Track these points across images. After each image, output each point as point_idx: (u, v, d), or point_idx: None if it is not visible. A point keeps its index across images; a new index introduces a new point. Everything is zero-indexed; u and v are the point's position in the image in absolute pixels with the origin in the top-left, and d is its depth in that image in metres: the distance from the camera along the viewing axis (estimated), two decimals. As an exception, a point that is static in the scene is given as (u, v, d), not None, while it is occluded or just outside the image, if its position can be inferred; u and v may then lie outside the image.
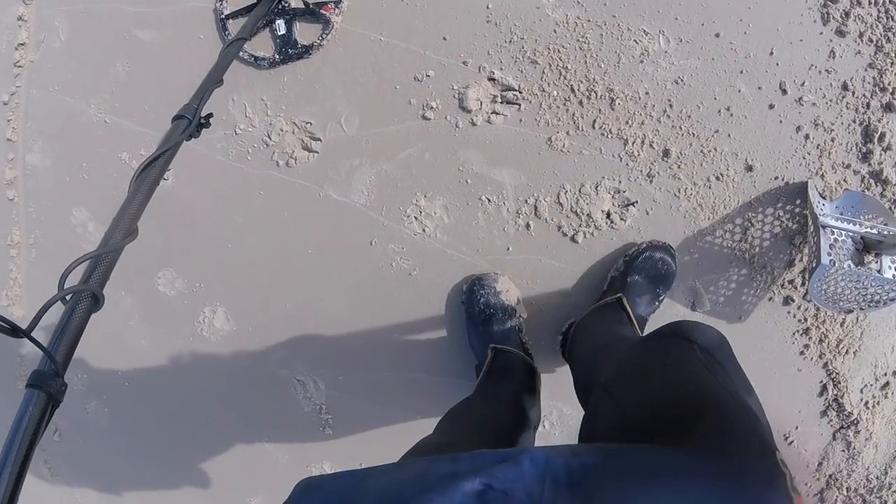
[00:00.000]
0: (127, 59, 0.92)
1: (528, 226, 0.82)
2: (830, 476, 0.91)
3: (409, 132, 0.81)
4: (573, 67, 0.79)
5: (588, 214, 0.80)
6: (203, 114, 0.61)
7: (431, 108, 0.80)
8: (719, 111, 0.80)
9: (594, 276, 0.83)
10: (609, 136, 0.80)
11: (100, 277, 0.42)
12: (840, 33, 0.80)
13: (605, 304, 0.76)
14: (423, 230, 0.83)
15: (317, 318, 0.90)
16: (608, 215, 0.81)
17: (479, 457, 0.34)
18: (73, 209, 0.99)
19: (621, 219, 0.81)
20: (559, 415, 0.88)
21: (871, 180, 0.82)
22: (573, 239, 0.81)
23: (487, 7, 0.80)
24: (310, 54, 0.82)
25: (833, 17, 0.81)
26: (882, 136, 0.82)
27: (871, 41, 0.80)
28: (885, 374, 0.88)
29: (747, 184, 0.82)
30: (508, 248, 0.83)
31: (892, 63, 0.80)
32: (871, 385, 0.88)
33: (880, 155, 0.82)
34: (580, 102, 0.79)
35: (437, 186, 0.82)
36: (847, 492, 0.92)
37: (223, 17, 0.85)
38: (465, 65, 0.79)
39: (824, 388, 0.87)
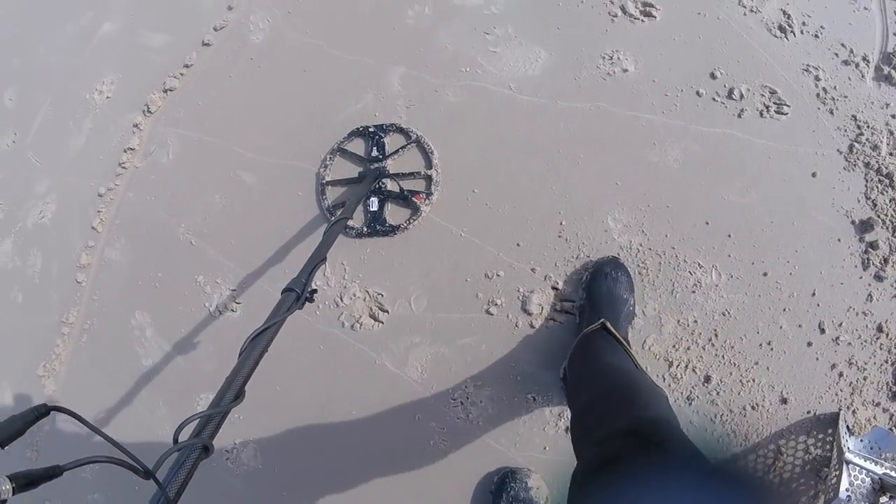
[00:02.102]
0: (226, 194, 1.08)
1: (567, 430, 0.89)
2: None
3: (472, 322, 0.92)
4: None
5: (628, 432, 0.88)
6: (309, 289, 0.72)
7: (496, 304, 0.92)
8: (760, 345, 0.90)
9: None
10: (656, 357, 0.90)
11: (210, 431, 0.51)
12: (878, 278, 0.92)
13: (591, 332, 0.79)
14: (467, 416, 0.91)
15: (342, 478, 0.96)
16: (648, 436, 0.88)
17: None
18: (136, 311, 1.10)
19: (660, 442, 0.88)
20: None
21: None
22: (611, 453, 0.88)
23: (560, 224, 0.94)
24: (395, 234, 0.96)
25: (873, 263, 0.93)
26: None
27: None
28: None
29: (780, 415, 0.90)
30: (545, 448, 0.90)
31: None
32: None
33: None
34: (632, 323, 0.90)
35: (488, 377, 0.91)
36: None
37: (323, 182, 1.01)
38: (533, 271, 0.92)
39: None
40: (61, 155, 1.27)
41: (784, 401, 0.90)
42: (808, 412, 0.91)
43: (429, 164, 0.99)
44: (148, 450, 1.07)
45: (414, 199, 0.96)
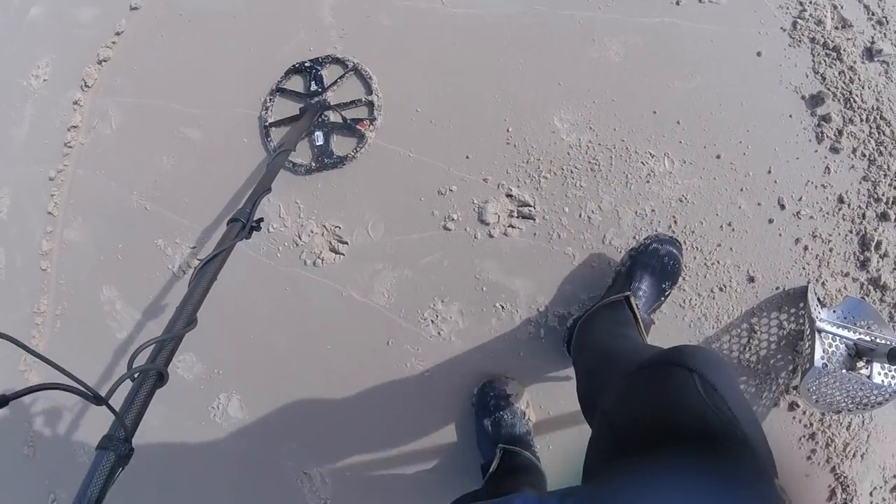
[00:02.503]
0: (173, 154, 1.07)
1: (539, 333, 0.91)
2: None
3: (431, 241, 0.93)
4: (585, 186, 0.92)
5: (598, 325, 0.90)
6: (255, 218, 0.74)
7: (452, 219, 0.93)
8: (721, 226, 0.92)
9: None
10: (618, 251, 0.91)
11: (164, 358, 0.52)
12: (834, 150, 0.93)
13: (611, 302, 0.77)
14: (439, 333, 0.93)
15: (329, 412, 0.98)
16: (617, 327, 0.90)
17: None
18: (104, 287, 1.11)
19: (630, 331, 0.90)
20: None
21: (870, 287, 0.91)
22: (584, 349, 0.90)
23: (507, 130, 0.94)
24: (344, 164, 0.96)
25: (827, 136, 0.94)
26: (878, 244, 0.92)
27: (864, 155, 0.93)
28: (894, 477, 0.92)
29: (749, 294, 0.91)
30: (520, 354, 0.92)
31: (885, 175, 0.92)
32: (881, 487, 0.93)
33: (878, 262, 0.92)
34: (589, 219, 0.91)
35: (454, 292, 0.93)
36: None
37: (266, 124, 1.01)
38: (486, 181, 0.93)
39: (833, 492, 0.92)
40: (7, 146, 1.26)
41: (751, 279, 0.92)
42: (777, 288, 0.92)
43: (369, 91, 0.98)
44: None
45: (358, 126, 0.96)
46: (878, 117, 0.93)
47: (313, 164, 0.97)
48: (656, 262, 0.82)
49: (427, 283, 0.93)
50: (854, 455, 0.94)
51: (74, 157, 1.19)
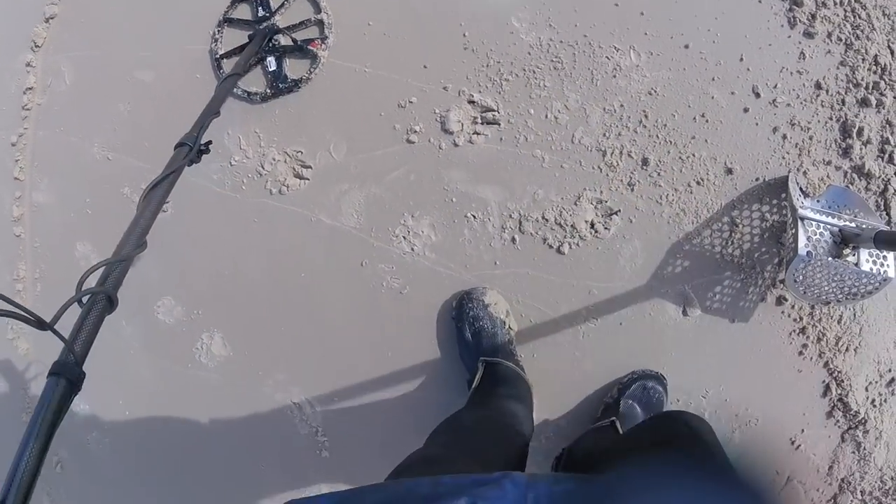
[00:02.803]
0: (129, 100, 1.05)
1: (513, 240, 0.90)
2: (843, 480, 0.94)
3: (395, 156, 0.92)
4: (549, 86, 0.90)
5: (572, 225, 0.89)
6: (203, 142, 0.73)
7: (415, 131, 0.91)
8: (694, 118, 0.89)
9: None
10: (588, 149, 0.89)
11: (114, 282, 0.51)
12: (808, 35, 0.90)
13: (598, 427, 0.83)
14: (412, 249, 0.92)
15: (311, 340, 0.99)
16: (592, 225, 0.89)
17: (461, 480, 0.39)
18: (77, 243, 1.11)
19: (605, 228, 0.89)
20: (556, 428, 0.94)
21: (854, 175, 0.90)
22: (559, 250, 0.90)
23: (464, 35, 0.91)
24: (299, 88, 0.94)
25: (800, 21, 0.90)
26: (860, 130, 0.90)
27: (840, 40, 0.90)
28: (890, 371, 0.92)
29: (728, 186, 0.90)
30: (496, 263, 0.91)
31: (863, 59, 0.89)
32: (876, 382, 0.92)
33: (860, 149, 0.90)
34: (556, 119, 0.89)
35: (424, 206, 0.92)
36: (861, 495, 0.95)
37: (217, 56, 0.98)
38: (446, 90, 0.91)
39: (827, 388, 0.92)
40: (-35, 117, 1.24)
41: (729, 171, 0.90)
42: (757, 179, 0.91)
43: (318, 9, 0.95)
44: (120, 372, 1.10)
45: (310, 47, 0.94)
46: (852, 0, 0.90)
47: (268, 91, 0.95)
48: (642, 395, 0.86)
49: (395, 199, 0.92)
50: (847, 349, 0.93)
51: (33, 119, 1.17)
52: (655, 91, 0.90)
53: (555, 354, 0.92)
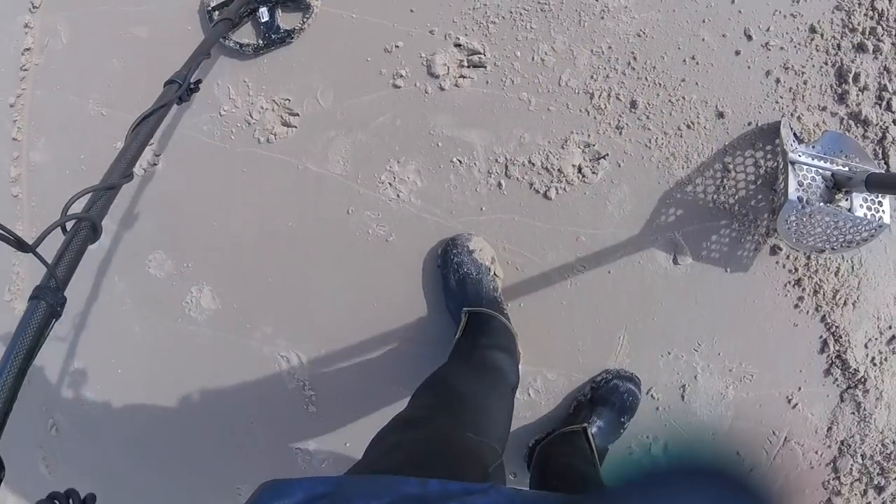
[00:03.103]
0: (122, 55, 1.08)
1: (499, 185, 0.90)
2: (842, 442, 0.92)
3: (381, 101, 0.93)
4: (536, 27, 0.90)
5: (559, 170, 0.89)
6: (192, 80, 0.74)
7: (401, 76, 0.92)
8: (684, 60, 0.88)
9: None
10: (575, 92, 0.89)
11: (98, 210, 0.52)
12: None
13: (570, 431, 0.84)
14: (398, 195, 0.93)
15: (299, 291, 1.00)
16: (579, 170, 0.89)
17: (448, 486, 0.39)
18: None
19: (593, 172, 0.88)
20: (543, 381, 0.93)
21: (851, 121, 0.88)
22: (545, 195, 0.89)
23: (451, -21, 0.92)
24: (292, 39, 0.95)
25: None
26: (857, 76, 0.88)
27: None
28: (891, 328, 0.90)
29: (720, 130, 0.89)
30: (482, 209, 0.91)
31: (859, 4, 0.87)
32: (876, 339, 0.90)
33: (857, 95, 0.88)
34: (543, 61, 0.89)
35: (410, 151, 0.92)
36: (862, 459, 0.92)
37: (210, 8, 1.00)
38: (432, 33, 0.91)
39: (825, 343, 0.90)
40: (-33, 81, 1.28)
41: (721, 115, 0.89)
42: (750, 124, 0.89)
43: None
44: (113, 330, 1.12)
45: None
46: None
47: (260, 42, 0.96)
48: (616, 398, 0.87)
49: (381, 145, 0.93)
50: (845, 303, 0.91)
51: (31, 79, 1.21)
52: (644, 33, 0.89)
53: (542, 303, 0.92)
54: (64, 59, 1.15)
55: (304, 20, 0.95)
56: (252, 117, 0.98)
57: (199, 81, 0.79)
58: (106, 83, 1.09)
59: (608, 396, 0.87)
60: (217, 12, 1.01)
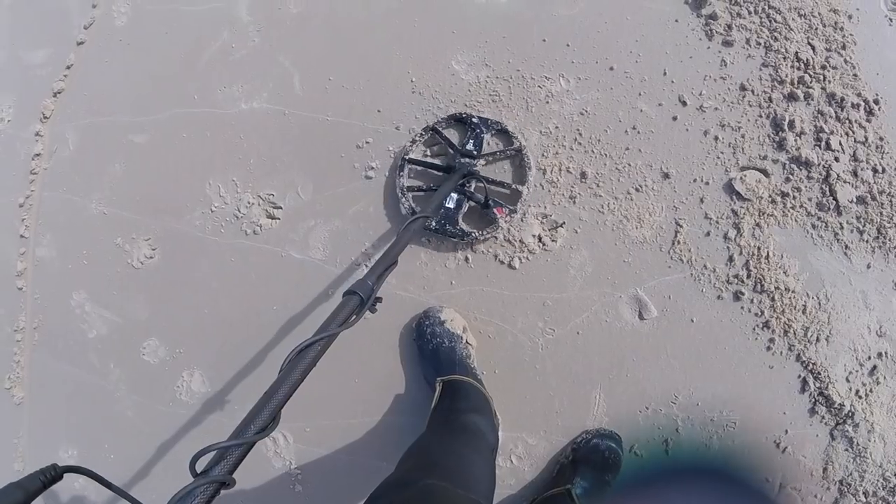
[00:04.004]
0: (123, 160, 1.24)
1: (466, 259, 1.01)
2: (841, 482, 0.91)
3: (356, 191, 1.06)
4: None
5: (520, 241, 0.99)
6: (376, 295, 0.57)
7: (373, 167, 1.05)
8: (626, 131, 1.01)
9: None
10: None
11: (230, 466, 0.42)
12: (727, 44, 1.03)
13: (553, 495, 0.86)
14: (374, 274, 1.03)
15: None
16: (540, 239, 0.99)
17: None
18: (73, 293, 1.25)
19: (552, 240, 0.99)
20: (525, 446, 0.98)
21: (793, 165, 0.97)
22: (510, 265, 0.99)
23: (412, 81, 1.08)
24: (464, 241, 0.97)
25: (717, 32, 1.04)
26: (791, 123, 0.99)
27: (759, 44, 1.02)
28: (870, 359, 0.92)
29: (667, 190, 0.99)
30: (452, 282, 1.01)
31: (784, 57, 1.00)
32: (857, 371, 0.92)
33: (795, 140, 0.98)
34: (499, 144, 1.02)
35: (383, 235, 1.04)
36: (865, 497, 0.91)
37: (406, 158, 1.01)
38: (398, 129, 1.06)
39: (805, 382, 0.93)
40: (-19, 185, 1.45)
41: (666, 175, 1.00)
42: (695, 180, 1.00)
43: (521, 179, 0.98)
44: (106, 415, 1.19)
45: (496, 211, 0.95)
46: (766, 7, 1.03)
47: (433, 225, 0.95)
48: (597, 457, 0.89)
49: (357, 231, 1.05)
50: (818, 339, 0.94)
51: (39, 181, 1.37)
52: (587, 111, 1.03)
53: (516, 368, 0.98)
54: (70, 163, 1.32)
55: (485, 233, 0.95)
56: (240, 212, 1.11)
57: (379, 300, 0.61)
58: (108, 185, 1.25)
59: (590, 456, 0.89)
60: (409, 164, 0.99)
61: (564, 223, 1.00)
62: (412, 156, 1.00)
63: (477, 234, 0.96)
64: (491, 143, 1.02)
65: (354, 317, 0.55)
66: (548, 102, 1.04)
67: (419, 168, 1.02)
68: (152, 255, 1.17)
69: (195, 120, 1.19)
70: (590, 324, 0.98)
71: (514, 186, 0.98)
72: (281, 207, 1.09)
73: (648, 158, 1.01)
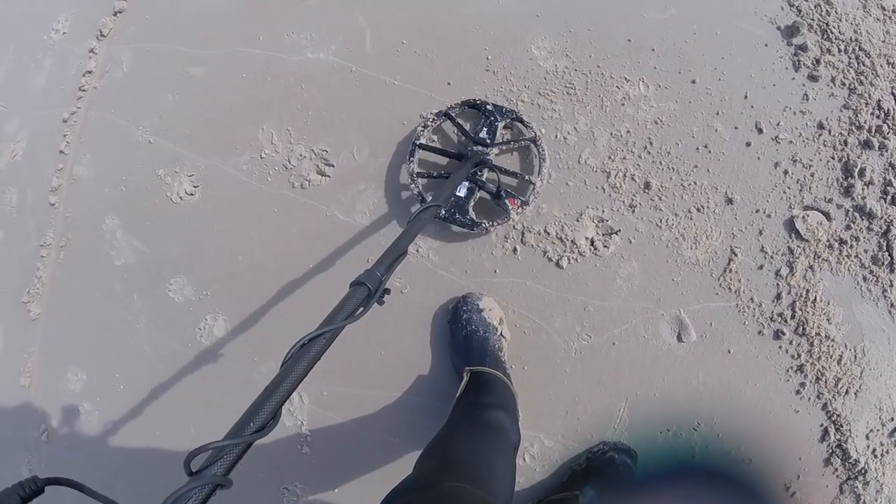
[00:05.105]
0: (177, 91, 1.26)
1: (514, 250, 1.02)
2: None
3: (411, 161, 1.07)
4: (560, 108, 1.05)
5: (572, 241, 1.01)
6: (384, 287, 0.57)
7: (434, 140, 1.06)
8: (697, 148, 1.02)
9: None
10: (593, 170, 1.02)
11: (226, 466, 0.41)
12: (812, 78, 1.03)
13: (561, 499, 0.87)
14: (417, 250, 1.05)
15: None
16: (592, 242, 1.00)
17: None
18: (106, 217, 1.28)
19: (604, 246, 1.00)
20: (540, 447, 1.00)
21: (856, 213, 0.99)
22: (558, 264, 1.01)
23: (487, 59, 1.08)
24: (473, 231, 0.97)
25: (804, 64, 1.04)
26: (862, 171, 1.00)
27: (844, 84, 1.03)
28: (893, 419, 0.96)
29: (728, 215, 1.00)
30: (496, 271, 1.03)
31: (866, 104, 1.01)
32: (878, 430, 0.96)
33: (862, 189, 1.00)
34: (565, 139, 1.03)
35: (433, 209, 1.05)
36: None
37: (417, 142, 1.00)
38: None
39: (826, 432, 0.96)
40: (26, 93, 1.48)
41: (730, 201, 1.01)
42: (757, 211, 1.01)
43: (535, 170, 0.99)
44: (122, 345, 1.23)
45: (507, 201, 0.95)
46: (857, 48, 1.03)
47: (442, 212, 0.95)
48: (611, 471, 0.90)
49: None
50: (847, 392, 0.97)
51: (87, 99, 1.39)
52: (661, 120, 1.04)
53: (545, 368, 1.01)
54: (122, 86, 1.34)
55: (495, 223, 0.96)
56: (290, 163, 1.13)
57: (387, 292, 0.60)
58: (157, 114, 1.27)
59: (603, 468, 0.92)
60: (421, 150, 0.99)
61: (620, 231, 1.01)
62: (422, 141, 1.00)
63: (487, 223, 0.97)
64: (505, 133, 1.02)
65: (362, 309, 0.54)
66: (623, 105, 1.04)
67: (430, 154, 1.00)
68: (193, 192, 1.20)
69: (257, 61, 1.21)
70: (627, 336, 0.99)
71: (526, 177, 0.99)
72: (333, 165, 1.11)
73: (715, 180, 1.01)
